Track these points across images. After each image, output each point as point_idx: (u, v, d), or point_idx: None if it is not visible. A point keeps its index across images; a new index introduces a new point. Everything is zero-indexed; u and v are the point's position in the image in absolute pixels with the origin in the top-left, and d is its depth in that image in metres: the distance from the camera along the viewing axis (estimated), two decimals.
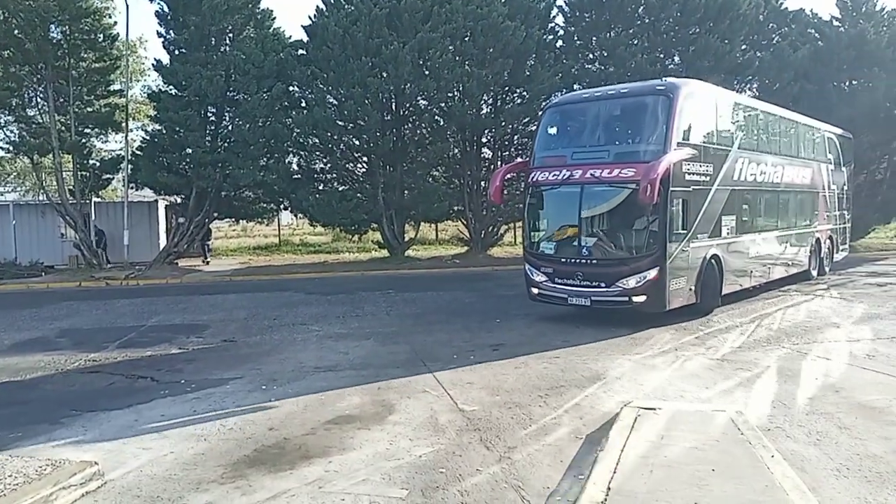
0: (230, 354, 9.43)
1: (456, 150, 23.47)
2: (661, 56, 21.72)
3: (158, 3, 21.47)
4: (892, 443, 5.41)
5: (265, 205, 24.20)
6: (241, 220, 27.57)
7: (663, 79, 12.00)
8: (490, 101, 22.86)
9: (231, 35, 21.83)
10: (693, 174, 10.89)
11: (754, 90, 23.23)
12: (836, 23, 24.88)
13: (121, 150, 23.31)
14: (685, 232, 10.67)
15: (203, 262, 23.71)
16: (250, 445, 5.69)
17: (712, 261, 11.46)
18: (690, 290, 10.92)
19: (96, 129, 23.30)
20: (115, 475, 5.14)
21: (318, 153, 23.38)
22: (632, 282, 10.25)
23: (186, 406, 6.87)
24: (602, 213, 10.89)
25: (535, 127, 21.85)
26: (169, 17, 21.60)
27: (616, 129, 11.51)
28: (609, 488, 4.39)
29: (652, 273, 10.19)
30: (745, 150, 12.73)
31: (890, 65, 22.82)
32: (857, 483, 4.68)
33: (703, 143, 11.31)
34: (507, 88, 22.54)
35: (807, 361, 8.17)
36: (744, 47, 22.40)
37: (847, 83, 23.76)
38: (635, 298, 10.30)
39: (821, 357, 8.35)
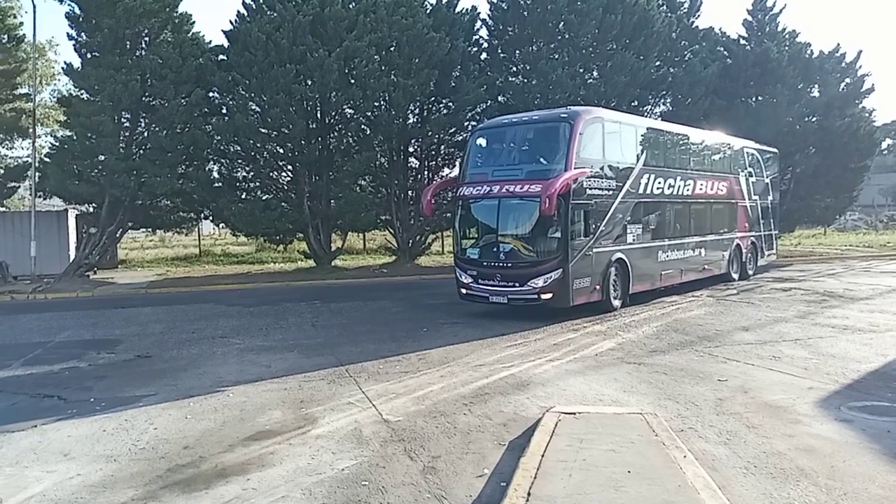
0: (144, 370, 9.03)
1: (383, 160, 23.39)
2: (581, 70, 22.35)
3: (69, 5, 20.49)
4: (795, 440, 5.70)
5: (184, 214, 23.38)
6: (158, 230, 26.53)
7: (568, 108, 13.58)
8: (416, 111, 22.92)
9: (147, 39, 21.01)
10: (595, 188, 12.43)
11: (668, 105, 24.26)
12: (742, 41, 26.35)
13: (28, 156, 22.15)
14: (588, 238, 12.21)
15: (93, 271, 22.55)
16: (163, 465, 5.46)
17: (617, 264, 13.01)
18: (595, 288, 12.46)
19: (1, 135, 21.98)
20: (14, 501, 4.82)
21: (240, 161, 22.79)
22: (540, 281, 11.72)
23: (95, 425, 6.53)
24: (516, 223, 12.34)
25: (461, 137, 22.44)
26: (81, 20, 20.60)
27: (528, 151, 13.02)
28: (529, 493, 4.44)
29: (556, 274, 11.71)
30: (651, 167, 14.13)
31: (791, 81, 24.36)
32: (763, 480, 4.91)
33: (605, 161, 12.79)
34: (433, 99, 22.65)
35: (717, 363, 8.54)
36: (658, 63, 23.32)
37: (753, 99, 25.15)
38: (543, 296, 11.76)
39: (730, 359, 8.75)
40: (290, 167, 22.90)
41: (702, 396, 7.06)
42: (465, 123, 22.73)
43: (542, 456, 5.08)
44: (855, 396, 6.91)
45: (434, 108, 23.07)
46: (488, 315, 12.61)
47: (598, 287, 12.48)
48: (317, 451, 5.69)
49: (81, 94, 21.05)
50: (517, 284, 11.89)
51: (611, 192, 12.87)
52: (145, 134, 21.30)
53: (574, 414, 6.14)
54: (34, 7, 20.92)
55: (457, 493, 4.81)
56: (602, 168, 12.66)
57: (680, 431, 5.86)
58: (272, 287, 19.56)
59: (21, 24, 22.02)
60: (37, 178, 21.19)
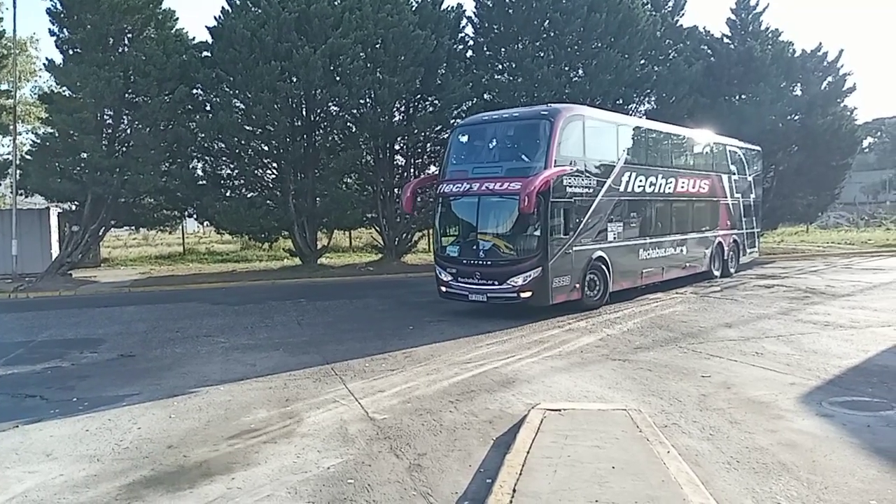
0: (127, 369, 8.96)
1: (369, 157, 23.31)
2: (566, 69, 22.40)
3: (51, 0, 20.18)
4: (777, 435, 5.77)
5: (168, 212, 23.18)
6: (141, 228, 26.28)
7: (549, 105, 13.62)
8: (402, 109, 22.86)
9: (130, 35, 20.73)
10: (575, 186, 12.44)
11: (652, 103, 24.39)
12: (726, 40, 26.54)
13: (8, 154, 21.82)
14: (567, 236, 12.19)
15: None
16: (147, 465, 5.43)
17: (598, 262, 12.99)
18: (575, 286, 12.44)
19: None
20: None
21: (224, 158, 22.61)
22: (519, 280, 11.71)
23: (78, 425, 6.47)
24: (495, 221, 12.29)
25: (447, 135, 22.35)
26: (63, 15, 20.29)
27: (508, 148, 12.96)
28: (515, 490, 4.46)
29: (536, 272, 11.69)
30: (632, 165, 14.14)
31: (773, 80, 24.56)
32: (745, 475, 4.96)
33: (586, 159, 12.77)
34: (418, 96, 22.60)
35: (701, 360, 8.62)
36: (642, 62, 23.40)
37: (737, 97, 25.36)
38: (523, 294, 11.72)
39: (713, 355, 8.83)
40: (274, 165, 22.77)
41: (685, 392, 7.12)
42: (451, 121, 22.59)
43: (528, 452, 5.11)
44: (836, 392, 6.99)
45: (420, 105, 23.04)
46: (474, 313, 12.63)
47: (577, 285, 12.49)
48: (302, 450, 5.68)
49: (63, 90, 20.79)
50: (496, 283, 11.87)
51: (591, 190, 12.89)
52: (128, 131, 21.05)
53: (559, 410, 6.18)
54: (14, 2, 20.65)
55: (442, 491, 4.82)
56: (583, 166, 12.68)
57: (664, 427, 5.91)
58: (257, 285, 19.47)
59: (1, 19, 21.72)
60: (18, 176, 20.89)
